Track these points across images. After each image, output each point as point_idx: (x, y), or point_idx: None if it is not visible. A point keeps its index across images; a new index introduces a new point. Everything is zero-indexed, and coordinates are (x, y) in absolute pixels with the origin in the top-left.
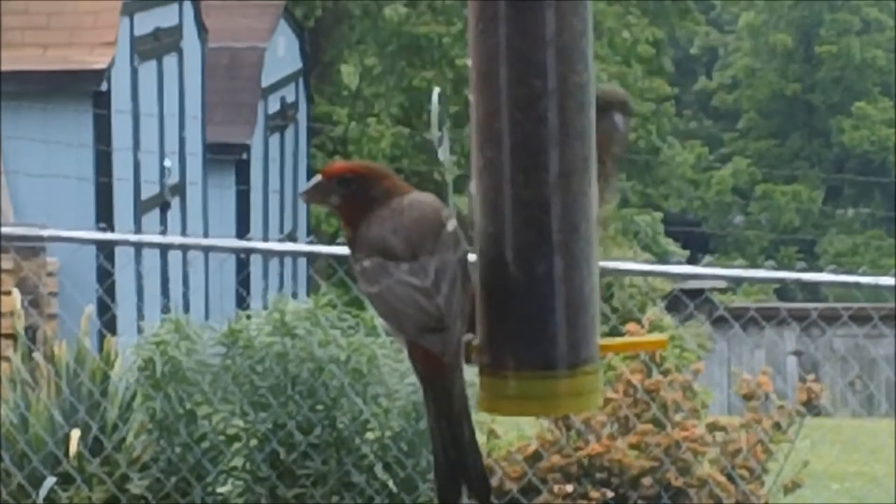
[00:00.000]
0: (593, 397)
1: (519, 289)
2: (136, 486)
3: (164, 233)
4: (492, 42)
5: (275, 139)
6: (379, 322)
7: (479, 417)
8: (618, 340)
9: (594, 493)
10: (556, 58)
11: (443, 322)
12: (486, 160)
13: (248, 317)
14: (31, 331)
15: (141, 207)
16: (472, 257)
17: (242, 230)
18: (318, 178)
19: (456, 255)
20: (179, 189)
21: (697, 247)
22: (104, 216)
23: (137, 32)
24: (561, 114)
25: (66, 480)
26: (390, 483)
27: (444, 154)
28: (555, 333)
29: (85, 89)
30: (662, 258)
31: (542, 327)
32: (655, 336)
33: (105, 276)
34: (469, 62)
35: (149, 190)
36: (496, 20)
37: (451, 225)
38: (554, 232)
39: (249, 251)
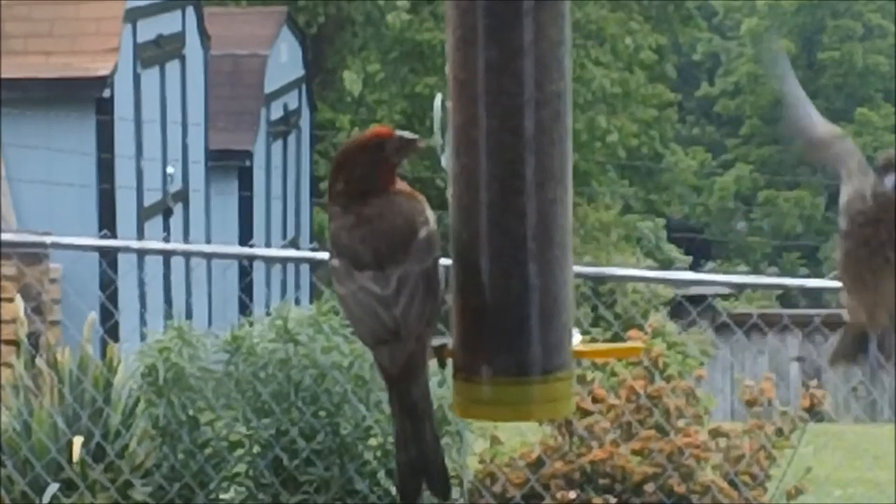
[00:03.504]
0: (566, 403)
1: (493, 295)
2: (139, 492)
3: (166, 240)
4: (470, 50)
5: (277, 146)
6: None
7: (482, 424)
8: (591, 347)
9: (597, 500)
10: (533, 66)
11: (398, 334)
12: (461, 167)
13: (251, 323)
14: (33, 337)
15: (144, 214)
16: (447, 262)
17: (245, 237)
18: None
19: (423, 265)
20: (182, 196)
21: (700, 253)
22: (107, 223)
23: (140, 39)
24: (537, 122)
25: (69, 487)
26: (393, 489)
27: (446, 160)
28: (528, 340)
29: (88, 96)
30: (665, 265)
31: (515, 334)
32: (629, 343)
33: (108, 283)
34: (447, 70)
35: (151, 197)
36: (474, 29)
37: (424, 232)
38: (528, 239)
39: (252, 258)
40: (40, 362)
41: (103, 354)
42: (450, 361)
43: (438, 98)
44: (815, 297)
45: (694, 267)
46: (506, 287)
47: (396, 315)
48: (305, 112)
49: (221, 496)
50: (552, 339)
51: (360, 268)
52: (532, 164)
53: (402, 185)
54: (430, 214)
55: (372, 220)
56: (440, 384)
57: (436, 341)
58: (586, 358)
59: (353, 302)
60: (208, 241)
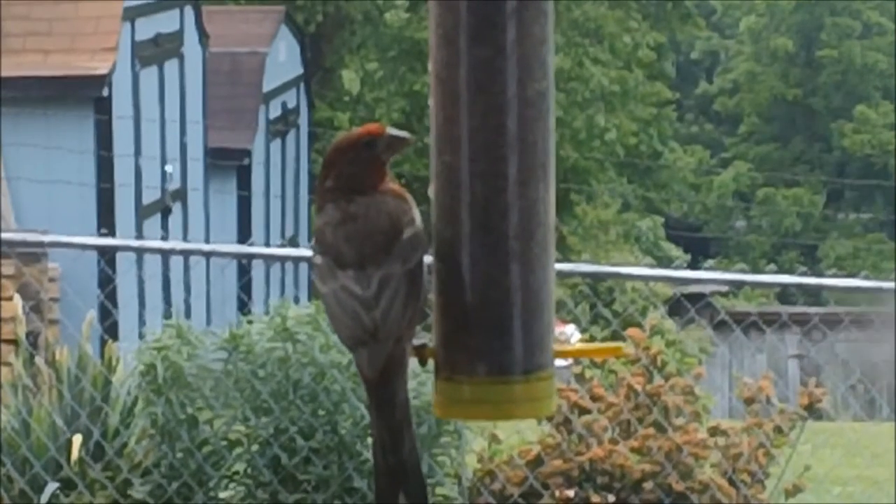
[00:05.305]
0: (547, 403)
1: (474, 294)
2: (138, 491)
3: (165, 238)
4: (452, 48)
5: (276, 144)
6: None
7: (481, 423)
8: (572, 346)
9: (596, 498)
10: (516, 65)
11: (376, 336)
12: (443, 165)
13: (250, 322)
14: (32, 336)
15: (142, 213)
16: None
17: (244, 235)
18: None
19: (406, 265)
20: (181, 194)
21: (699, 251)
22: (106, 222)
23: (138, 38)
24: (520, 121)
25: (67, 486)
26: None
27: None
28: (510, 339)
29: (86, 95)
30: (664, 262)
31: (497, 333)
32: (610, 343)
33: (106, 282)
34: (430, 67)
35: (150, 195)
36: (457, 27)
37: (409, 232)
38: (510, 238)
39: (251, 256)
40: (39, 361)
41: (102, 353)
42: (431, 361)
43: None
44: (813, 294)
45: (692, 265)
46: (487, 286)
47: (376, 317)
48: (304, 110)
49: (220, 494)
50: (534, 337)
51: (342, 267)
52: (514, 162)
53: (391, 183)
54: (417, 214)
55: (357, 218)
56: None
57: (416, 340)
58: (566, 357)
59: (333, 301)
60: (207, 240)
